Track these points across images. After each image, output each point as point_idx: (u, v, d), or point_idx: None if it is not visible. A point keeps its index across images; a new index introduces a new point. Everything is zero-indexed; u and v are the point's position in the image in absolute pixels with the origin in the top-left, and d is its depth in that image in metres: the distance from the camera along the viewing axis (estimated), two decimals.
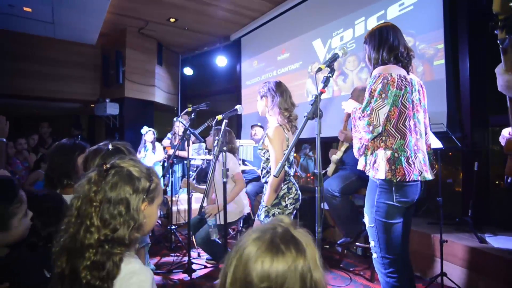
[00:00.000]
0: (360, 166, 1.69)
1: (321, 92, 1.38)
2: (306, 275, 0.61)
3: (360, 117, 1.61)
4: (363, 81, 3.92)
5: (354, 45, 4.07)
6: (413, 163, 1.54)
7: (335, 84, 4.32)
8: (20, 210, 1.11)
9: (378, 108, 1.53)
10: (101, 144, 1.36)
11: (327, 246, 3.42)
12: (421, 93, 1.66)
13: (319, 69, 1.43)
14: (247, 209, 3.01)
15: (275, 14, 5.40)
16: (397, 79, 1.53)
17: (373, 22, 3.82)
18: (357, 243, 2.93)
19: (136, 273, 0.86)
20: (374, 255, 1.63)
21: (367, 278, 2.71)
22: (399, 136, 1.55)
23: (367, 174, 1.64)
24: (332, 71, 1.45)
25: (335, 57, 1.49)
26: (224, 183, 2.18)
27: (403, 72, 1.59)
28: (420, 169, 1.56)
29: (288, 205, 1.96)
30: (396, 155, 1.54)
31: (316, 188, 1.32)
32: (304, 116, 1.36)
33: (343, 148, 2.82)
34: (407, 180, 1.52)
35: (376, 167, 1.57)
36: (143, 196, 0.92)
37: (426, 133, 1.68)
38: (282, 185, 1.97)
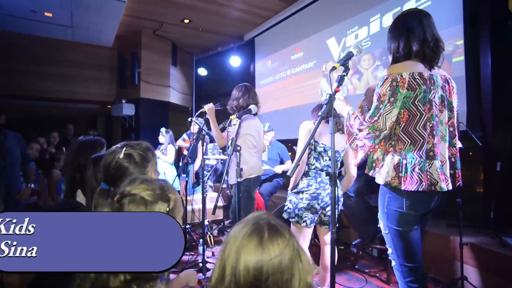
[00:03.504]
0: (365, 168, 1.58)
1: (336, 91, 1.37)
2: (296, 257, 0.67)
3: (362, 122, 1.48)
4: (378, 79, 3.84)
5: (369, 43, 4.00)
6: (426, 171, 1.40)
7: (349, 83, 4.26)
8: None
9: (386, 113, 1.42)
10: (118, 145, 1.26)
11: (342, 247, 3.38)
12: (446, 90, 1.49)
13: (334, 68, 1.41)
14: (257, 170, 2.71)
15: (289, 13, 5.38)
16: (408, 78, 1.39)
17: (388, 19, 3.75)
18: (372, 245, 2.88)
19: None
20: (393, 263, 1.54)
21: (383, 280, 2.66)
22: (409, 141, 1.42)
23: (374, 178, 1.53)
24: (346, 69, 1.43)
25: (349, 56, 1.47)
26: (239, 183, 2.19)
27: (419, 68, 1.43)
28: (436, 178, 1.40)
29: (304, 199, 2.07)
30: (404, 161, 1.42)
31: (331, 188, 1.30)
32: (318, 116, 1.35)
33: None
34: (414, 190, 1.38)
35: (379, 171, 1.47)
36: None
37: (455, 136, 1.51)
38: (303, 179, 2.10)
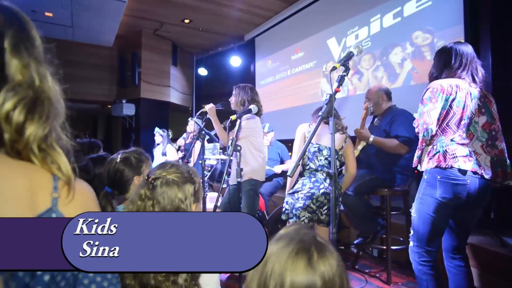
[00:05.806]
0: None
1: (336, 91, 1.37)
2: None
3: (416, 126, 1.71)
4: (378, 79, 3.85)
5: (370, 43, 4.00)
6: (453, 154, 1.58)
7: (350, 83, 4.26)
8: None
9: (429, 110, 1.62)
10: (114, 155, 1.48)
11: (342, 247, 3.38)
12: (482, 102, 1.69)
13: (334, 68, 1.42)
14: (259, 175, 2.71)
15: (289, 13, 5.38)
16: (447, 86, 1.60)
17: (389, 19, 3.75)
18: (373, 245, 2.88)
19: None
20: (411, 244, 1.72)
21: (383, 280, 2.66)
22: (441, 133, 1.64)
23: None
24: (347, 70, 1.44)
25: (350, 56, 1.48)
26: (239, 183, 2.19)
27: (456, 81, 1.63)
28: (458, 157, 1.57)
29: (299, 199, 2.06)
30: (435, 147, 1.63)
31: (331, 188, 1.31)
32: (318, 116, 1.35)
33: (359, 147, 2.76)
34: (443, 166, 1.57)
35: (422, 163, 1.73)
36: (192, 199, 0.99)
37: (496, 139, 1.71)
38: (298, 179, 2.12)
